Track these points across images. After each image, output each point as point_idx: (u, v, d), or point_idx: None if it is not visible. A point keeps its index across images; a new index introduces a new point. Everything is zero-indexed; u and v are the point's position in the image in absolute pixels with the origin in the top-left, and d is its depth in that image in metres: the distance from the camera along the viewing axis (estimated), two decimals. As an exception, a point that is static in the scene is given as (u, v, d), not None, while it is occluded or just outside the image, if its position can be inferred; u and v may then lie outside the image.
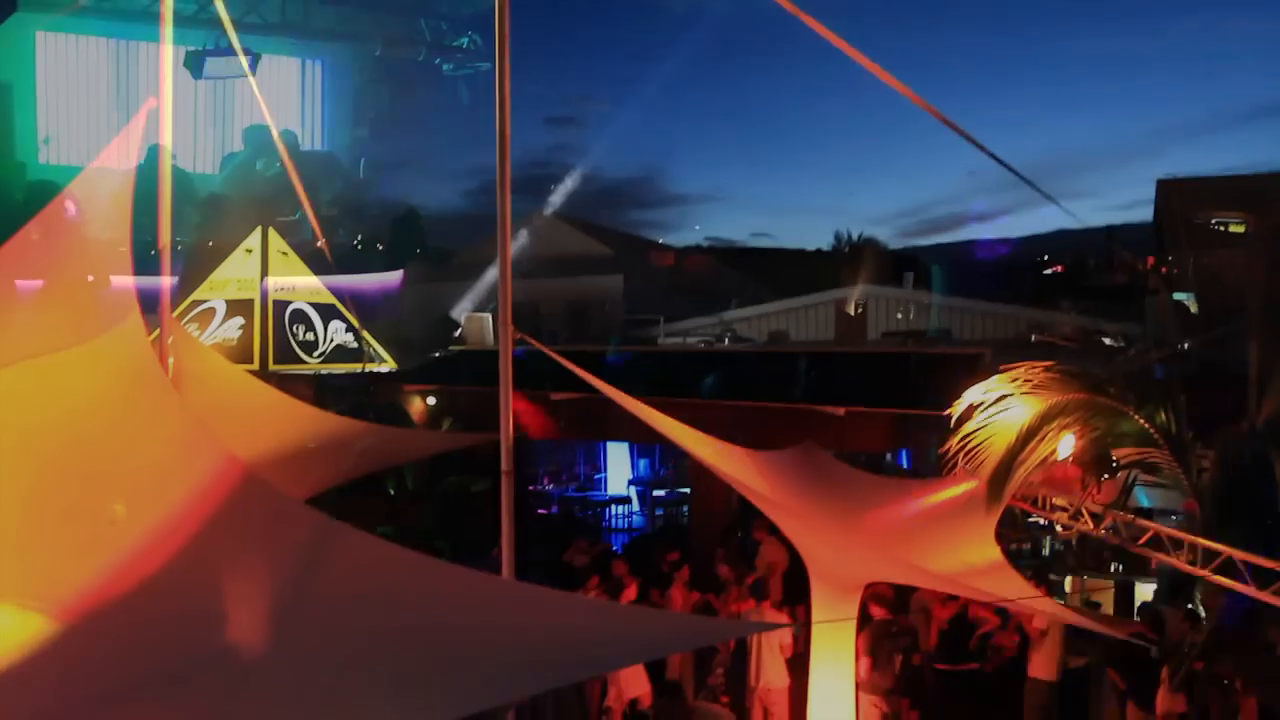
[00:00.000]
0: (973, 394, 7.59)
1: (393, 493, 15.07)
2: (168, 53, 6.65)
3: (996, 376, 7.59)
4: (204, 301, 18.68)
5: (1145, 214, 23.47)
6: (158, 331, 6.61)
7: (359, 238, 33.59)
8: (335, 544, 4.19)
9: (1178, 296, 16.46)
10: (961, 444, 7.51)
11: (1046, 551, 11.74)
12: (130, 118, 6.34)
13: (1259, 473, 6.89)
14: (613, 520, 19.25)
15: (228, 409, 7.41)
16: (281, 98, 39.16)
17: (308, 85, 41.04)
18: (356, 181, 40.33)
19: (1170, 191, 20.56)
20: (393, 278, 34.68)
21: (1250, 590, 6.52)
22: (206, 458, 4.39)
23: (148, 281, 5.61)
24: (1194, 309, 15.49)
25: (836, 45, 5.65)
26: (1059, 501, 8.00)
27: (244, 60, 7.40)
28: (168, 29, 6.62)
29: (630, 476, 20.22)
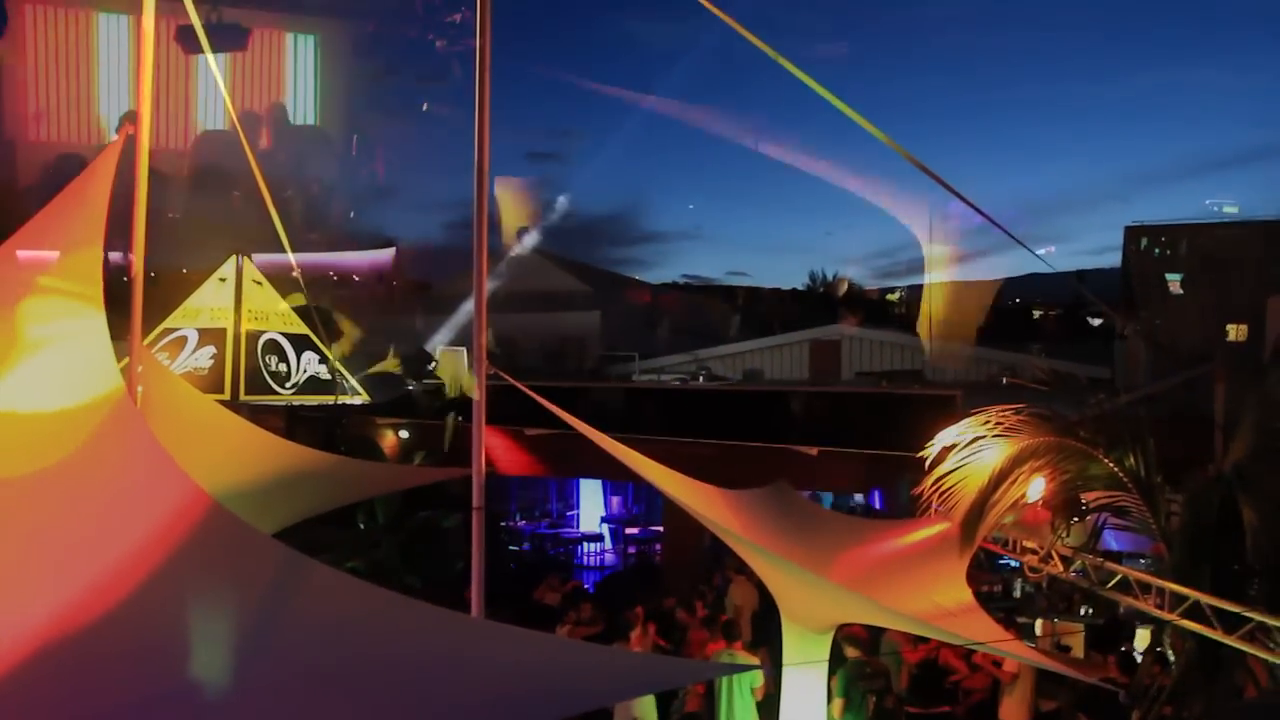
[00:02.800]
0: (946, 436, 7.63)
1: (363, 527, 14.88)
2: (147, 81, 6.63)
3: (969, 418, 7.64)
4: (175, 330, 18.51)
5: (1115, 259, 23.89)
6: (127, 359, 6.52)
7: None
8: (303, 579, 4.13)
9: (1171, 277, 16.70)
10: (934, 486, 7.53)
11: (1017, 594, 11.76)
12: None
13: (1227, 517, 6.95)
14: (585, 558, 19.12)
15: (196, 439, 7.30)
16: (273, 72, 38.96)
17: (299, 60, 40.69)
18: (347, 159, 39.99)
19: (1138, 238, 20.96)
20: (385, 255, 34.56)
21: (1217, 634, 6.55)
22: (173, 489, 4.32)
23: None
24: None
25: (813, 89, 5.74)
26: (1029, 544, 8.03)
27: (205, 43, 7.31)
28: (147, 58, 6.60)
29: (603, 514, 20.12)
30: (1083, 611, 10.67)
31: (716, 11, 5.77)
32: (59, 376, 4.87)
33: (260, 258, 18.85)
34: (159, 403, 7.08)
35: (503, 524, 18.99)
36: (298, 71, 39.62)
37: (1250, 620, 6.40)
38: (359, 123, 39.93)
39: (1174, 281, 18.35)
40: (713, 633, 10.06)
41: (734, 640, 9.42)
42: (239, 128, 7.97)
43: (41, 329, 4.96)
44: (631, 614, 10.27)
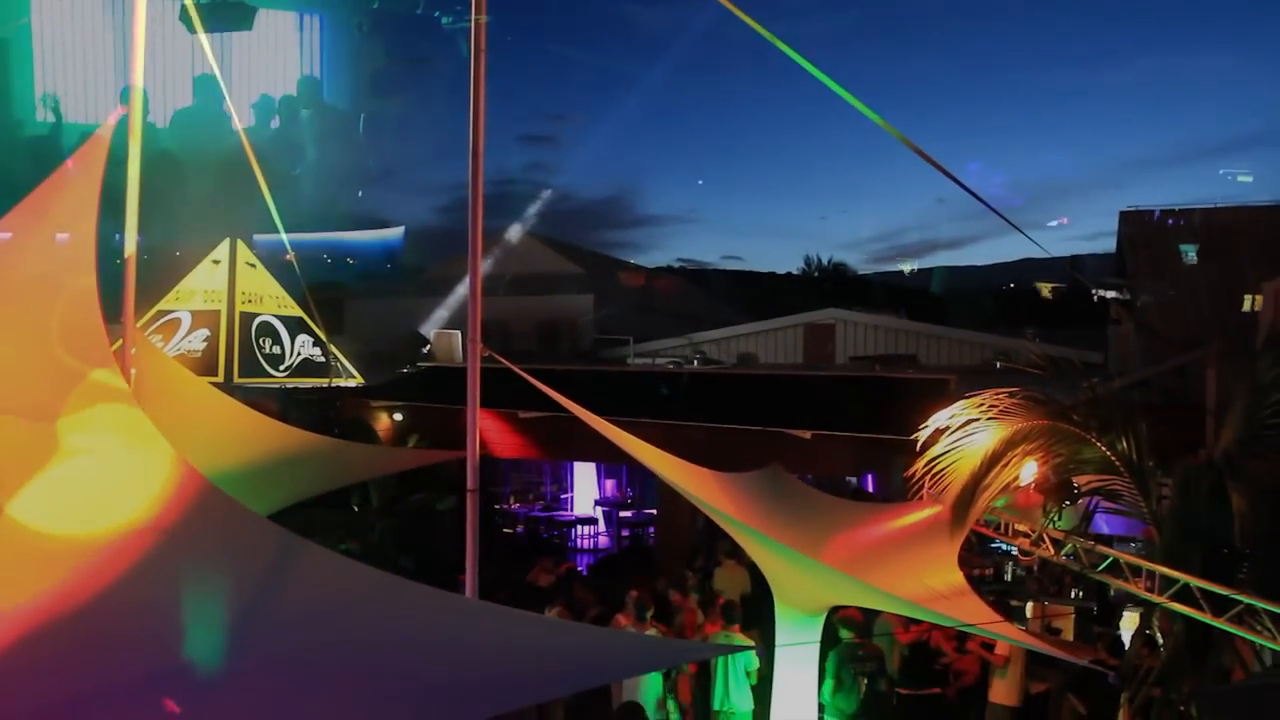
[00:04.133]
0: (938, 419, 7.66)
1: (357, 509, 14.91)
2: (139, 63, 6.58)
3: (962, 402, 7.67)
4: (169, 312, 18.46)
5: (1109, 244, 23.92)
6: (120, 342, 6.51)
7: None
8: (297, 560, 4.14)
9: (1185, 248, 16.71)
10: (927, 468, 7.56)
11: (1009, 577, 11.84)
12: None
13: (1216, 501, 7.00)
14: (578, 540, 19.18)
15: (190, 422, 7.30)
16: (280, 53, 38.58)
17: (306, 40, 40.22)
18: (356, 140, 39.63)
19: (1133, 222, 20.97)
20: (394, 234, 34.48)
21: (1206, 617, 6.61)
22: (167, 471, 4.32)
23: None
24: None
25: (811, 72, 5.73)
26: (1021, 527, 8.08)
27: (198, 22, 7.20)
28: (140, 41, 6.55)
29: (597, 497, 20.16)
30: (1074, 594, 10.75)
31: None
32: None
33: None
34: (153, 385, 7.06)
35: (496, 507, 19.04)
36: (304, 51, 39.20)
37: (1239, 603, 6.46)
38: (364, 103, 39.59)
39: (1187, 254, 18.37)
40: (708, 615, 10.10)
41: (732, 623, 9.46)
42: (232, 109, 7.90)
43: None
44: (636, 597, 10.23)
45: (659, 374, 17.42)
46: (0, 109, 33.69)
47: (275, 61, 38.27)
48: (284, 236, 8.08)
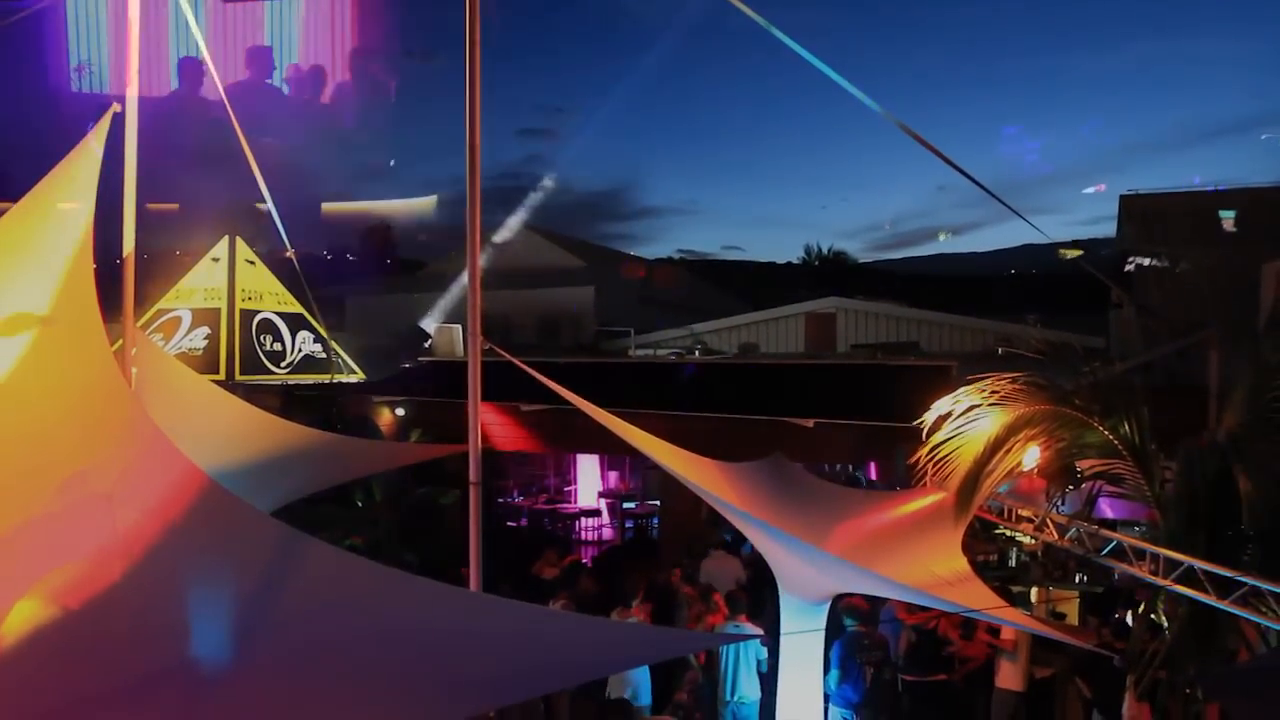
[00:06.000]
0: (941, 405, 7.65)
1: (360, 505, 14.90)
2: (134, 58, 6.57)
3: (964, 388, 7.66)
4: (169, 310, 18.46)
5: (1110, 229, 23.89)
6: (121, 340, 6.50)
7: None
8: (302, 556, 4.14)
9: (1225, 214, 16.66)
10: (930, 455, 7.56)
11: (1013, 563, 11.83)
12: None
13: (1220, 484, 6.98)
14: (582, 533, 19.19)
15: (192, 420, 7.30)
16: (310, 26, 38.34)
17: (337, 13, 39.89)
18: (388, 108, 39.46)
19: (1134, 206, 20.93)
20: (428, 202, 34.70)
21: (1211, 599, 6.61)
22: (169, 469, 4.32)
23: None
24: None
25: (809, 61, 5.70)
26: (1024, 512, 8.07)
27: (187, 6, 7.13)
28: (134, 38, 6.54)
29: (600, 489, 20.17)
30: (1078, 579, 10.74)
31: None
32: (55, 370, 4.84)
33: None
34: (154, 384, 7.07)
35: (500, 500, 19.04)
36: (335, 23, 38.87)
37: (1244, 585, 6.45)
38: (378, 77, 39.43)
39: (1228, 219, 18.25)
40: (708, 605, 10.10)
41: (739, 612, 9.46)
42: (222, 91, 7.82)
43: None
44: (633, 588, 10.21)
45: (660, 365, 17.42)
46: (35, 79, 33.49)
47: (309, 32, 37.96)
48: (282, 232, 8.07)
